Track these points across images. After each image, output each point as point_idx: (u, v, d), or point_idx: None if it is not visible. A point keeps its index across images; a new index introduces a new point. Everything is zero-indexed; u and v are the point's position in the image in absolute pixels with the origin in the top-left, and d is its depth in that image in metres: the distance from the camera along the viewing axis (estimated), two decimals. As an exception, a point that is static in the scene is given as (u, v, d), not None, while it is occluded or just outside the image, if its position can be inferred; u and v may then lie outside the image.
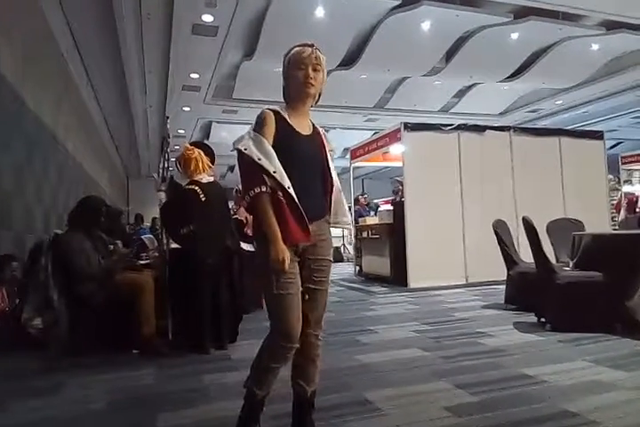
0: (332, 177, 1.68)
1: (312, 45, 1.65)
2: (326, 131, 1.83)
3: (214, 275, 3.07)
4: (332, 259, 1.70)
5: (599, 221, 6.21)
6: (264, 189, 1.48)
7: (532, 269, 3.86)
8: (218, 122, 12.50)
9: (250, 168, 1.51)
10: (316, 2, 6.98)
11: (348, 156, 15.54)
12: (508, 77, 11.09)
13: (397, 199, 6.53)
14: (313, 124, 1.72)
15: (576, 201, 6.52)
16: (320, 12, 7.44)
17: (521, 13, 8.41)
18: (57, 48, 5.88)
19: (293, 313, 1.53)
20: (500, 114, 14.02)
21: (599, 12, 8.04)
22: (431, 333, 3.34)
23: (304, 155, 1.61)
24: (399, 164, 6.38)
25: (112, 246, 3.32)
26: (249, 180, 1.52)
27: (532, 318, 3.62)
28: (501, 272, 5.88)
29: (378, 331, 3.47)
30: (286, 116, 1.62)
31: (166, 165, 3.09)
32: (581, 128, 13.65)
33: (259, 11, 7.32)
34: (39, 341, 3.00)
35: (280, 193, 1.50)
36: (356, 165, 8.08)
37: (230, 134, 13.07)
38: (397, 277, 6.13)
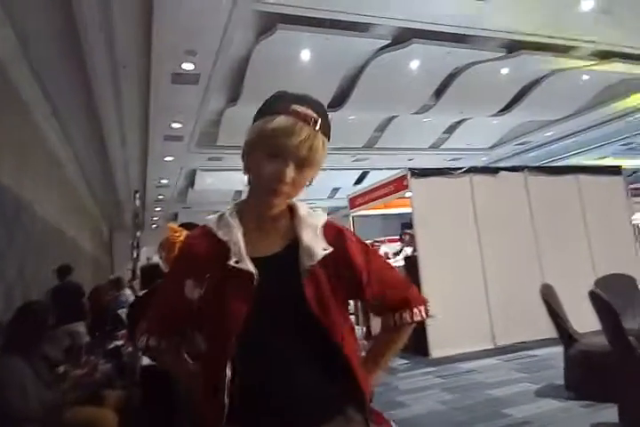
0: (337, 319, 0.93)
1: (309, 119, 0.88)
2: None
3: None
4: None
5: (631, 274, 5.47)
6: None
7: (598, 348, 3.13)
8: (202, 170, 11.95)
9: None
10: (302, 45, 6.59)
11: (336, 196, 14.95)
12: (498, 112, 10.81)
13: (408, 253, 5.84)
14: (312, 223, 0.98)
15: (602, 247, 5.87)
16: (306, 56, 7.04)
17: (513, 47, 8.17)
18: (27, 111, 5.26)
19: None
20: (490, 148, 13.73)
21: (594, 42, 7.75)
22: (495, 456, 2.54)
23: (262, 298, 0.89)
24: (405, 209, 5.76)
25: (61, 368, 2.52)
26: None
27: (610, 413, 2.84)
28: (531, 331, 5.25)
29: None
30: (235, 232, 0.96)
31: (135, 254, 2.32)
32: (572, 157, 13.44)
33: (241, 56, 6.90)
34: None
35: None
36: (357, 213, 7.32)
37: (216, 181, 12.51)
38: (415, 345, 5.31)
